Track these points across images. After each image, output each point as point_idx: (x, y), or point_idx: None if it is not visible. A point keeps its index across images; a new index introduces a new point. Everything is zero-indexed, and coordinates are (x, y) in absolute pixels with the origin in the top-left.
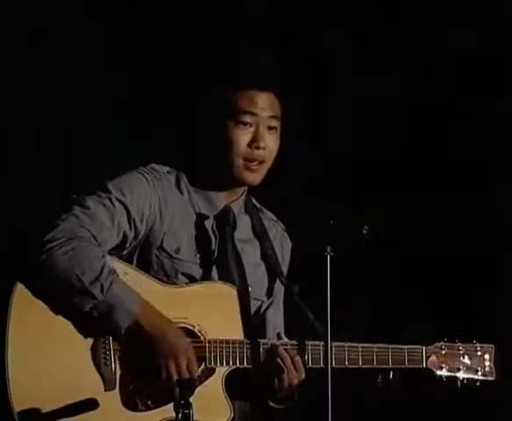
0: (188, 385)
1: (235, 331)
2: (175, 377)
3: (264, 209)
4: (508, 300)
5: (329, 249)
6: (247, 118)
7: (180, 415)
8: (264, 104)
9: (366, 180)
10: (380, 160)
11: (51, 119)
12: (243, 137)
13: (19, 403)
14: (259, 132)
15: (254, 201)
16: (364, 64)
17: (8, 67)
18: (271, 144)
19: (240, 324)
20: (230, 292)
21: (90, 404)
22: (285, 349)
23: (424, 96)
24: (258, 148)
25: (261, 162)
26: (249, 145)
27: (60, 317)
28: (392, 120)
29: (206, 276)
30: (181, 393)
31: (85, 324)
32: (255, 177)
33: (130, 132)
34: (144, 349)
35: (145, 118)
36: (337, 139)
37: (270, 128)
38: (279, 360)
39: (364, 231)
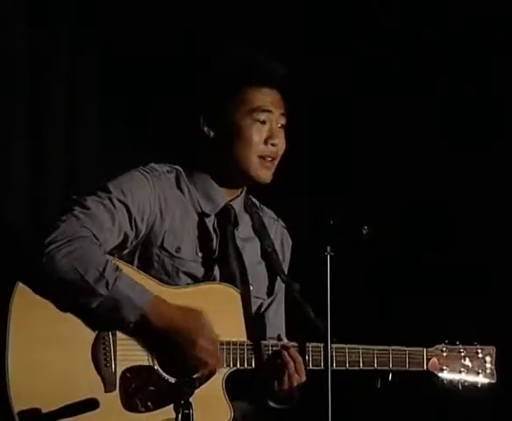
0: (189, 385)
1: (238, 333)
2: (204, 358)
3: (264, 207)
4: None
5: (329, 249)
6: (264, 116)
7: (180, 415)
8: (275, 101)
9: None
10: (379, 160)
11: (50, 118)
12: (260, 134)
13: (19, 403)
14: (273, 129)
15: (253, 199)
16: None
17: (8, 67)
18: (281, 141)
19: (243, 326)
20: (232, 294)
21: (90, 405)
22: (287, 352)
23: None
24: (273, 145)
25: (274, 159)
26: (265, 141)
27: (60, 318)
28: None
29: (208, 275)
30: (181, 393)
31: (94, 320)
32: (268, 175)
33: (127, 130)
34: (161, 344)
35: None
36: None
37: (280, 125)
38: (281, 363)
39: (364, 232)
